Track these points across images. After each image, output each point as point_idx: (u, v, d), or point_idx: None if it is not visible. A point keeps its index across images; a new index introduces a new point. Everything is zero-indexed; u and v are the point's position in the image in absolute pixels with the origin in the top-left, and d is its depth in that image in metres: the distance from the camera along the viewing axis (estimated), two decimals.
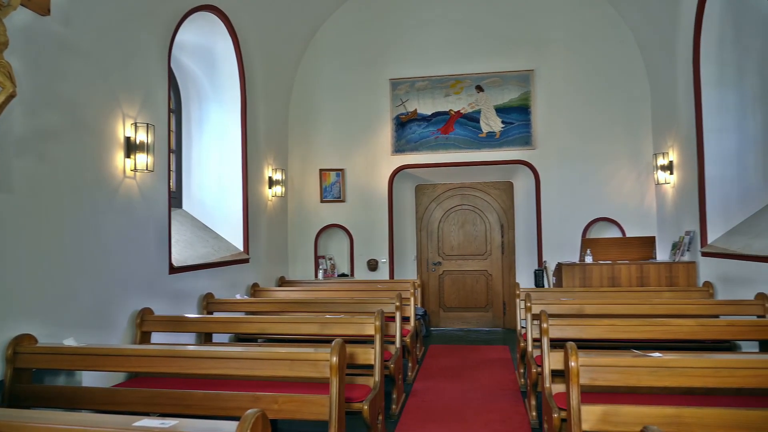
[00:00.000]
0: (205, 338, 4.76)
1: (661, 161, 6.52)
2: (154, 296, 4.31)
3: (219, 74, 5.95)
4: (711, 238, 5.35)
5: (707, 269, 5.37)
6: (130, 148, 4.04)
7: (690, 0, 5.51)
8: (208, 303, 5.06)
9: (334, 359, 2.75)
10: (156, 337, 4.23)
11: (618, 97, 7.16)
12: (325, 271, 7.57)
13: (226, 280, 5.58)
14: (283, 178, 7.20)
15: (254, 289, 6.08)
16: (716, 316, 4.42)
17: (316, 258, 7.63)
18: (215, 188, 6.00)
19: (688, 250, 5.70)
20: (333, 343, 2.80)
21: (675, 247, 5.96)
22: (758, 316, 4.25)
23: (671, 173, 6.35)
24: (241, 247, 5.99)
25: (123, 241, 3.96)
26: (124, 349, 3.10)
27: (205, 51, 5.82)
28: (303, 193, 7.72)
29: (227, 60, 5.89)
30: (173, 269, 4.60)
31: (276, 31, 6.77)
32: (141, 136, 4.09)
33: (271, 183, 6.89)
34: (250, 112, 6.19)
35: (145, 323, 4.06)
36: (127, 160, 4.02)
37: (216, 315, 4.96)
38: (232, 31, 5.73)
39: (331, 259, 7.74)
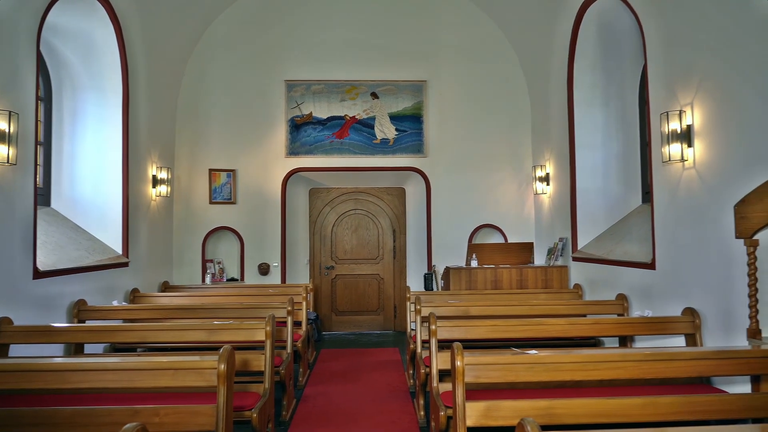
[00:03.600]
0: (76, 349, 4.35)
1: (539, 173, 7.06)
2: (14, 304, 3.85)
3: (97, 63, 5.48)
4: (581, 244, 5.88)
5: (577, 272, 5.89)
6: None
7: (565, 27, 6.04)
8: (80, 311, 4.62)
9: (222, 366, 2.64)
10: (16, 350, 3.79)
11: (503, 111, 7.64)
12: (213, 275, 7.26)
13: (102, 286, 5.15)
14: (169, 177, 6.80)
15: (134, 295, 5.66)
16: (584, 315, 4.86)
17: (204, 262, 7.29)
18: (91, 186, 5.52)
19: (561, 255, 6.22)
20: (221, 349, 2.69)
21: (550, 252, 6.47)
22: (618, 315, 4.74)
23: (548, 184, 6.89)
24: (119, 250, 5.55)
25: None
26: None
27: (82, 36, 5.33)
28: (191, 194, 7.34)
29: (107, 48, 5.44)
30: (38, 274, 4.15)
31: (163, 21, 6.38)
32: (1, 125, 3.65)
33: (156, 182, 6.48)
34: (132, 105, 5.78)
35: (1, 334, 3.62)
36: None
37: (89, 324, 4.55)
38: (113, 16, 5.31)
39: (219, 263, 7.43)
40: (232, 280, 7.40)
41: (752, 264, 3.19)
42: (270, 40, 7.49)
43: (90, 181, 5.52)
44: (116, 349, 4.97)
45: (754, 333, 3.19)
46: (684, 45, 3.98)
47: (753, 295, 3.19)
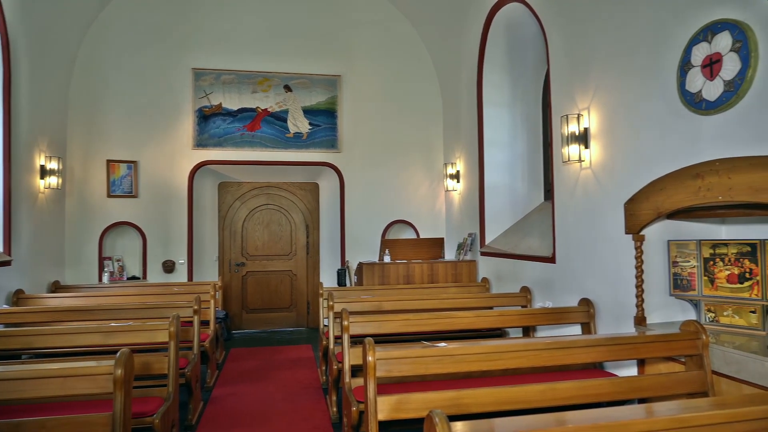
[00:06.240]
0: None
1: (450, 170, 7.26)
2: None
3: None
4: (488, 239, 6.12)
5: (485, 266, 6.13)
6: None
7: (475, 29, 6.24)
8: None
9: (119, 371, 2.46)
10: None
11: (416, 108, 7.77)
12: (112, 274, 6.78)
13: None
14: (60, 167, 6.25)
15: (18, 297, 5.16)
16: (491, 308, 5.06)
17: (101, 259, 6.79)
18: None
19: (470, 250, 6.44)
20: (118, 353, 2.51)
21: (460, 247, 6.68)
22: (522, 306, 4.99)
23: (458, 181, 7.11)
24: (0, 247, 5.03)
25: None
26: None
27: None
28: (86, 186, 6.80)
29: None
30: None
31: None
32: None
33: (44, 173, 5.93)
34: (15, 86, 5.24)
35: None
36: None
37: None
38: None
39: (119, 260, 6.96)
40: (134, 278, 6.96)
41: (639, 257, 3.47)
42: (176, 24, 7.10)
43: None
44: None
45: (640, 320, 3.47)
46: (582, 54, 4.24)
47: (639, 286, 3.47)
